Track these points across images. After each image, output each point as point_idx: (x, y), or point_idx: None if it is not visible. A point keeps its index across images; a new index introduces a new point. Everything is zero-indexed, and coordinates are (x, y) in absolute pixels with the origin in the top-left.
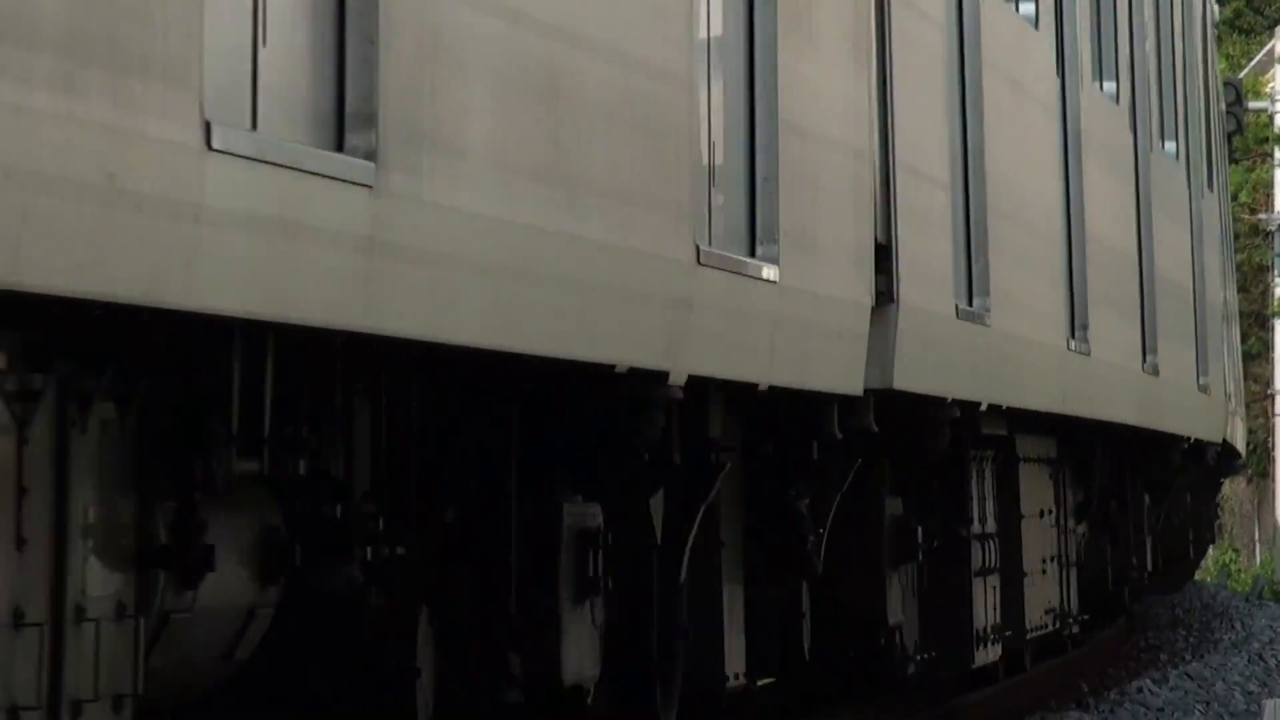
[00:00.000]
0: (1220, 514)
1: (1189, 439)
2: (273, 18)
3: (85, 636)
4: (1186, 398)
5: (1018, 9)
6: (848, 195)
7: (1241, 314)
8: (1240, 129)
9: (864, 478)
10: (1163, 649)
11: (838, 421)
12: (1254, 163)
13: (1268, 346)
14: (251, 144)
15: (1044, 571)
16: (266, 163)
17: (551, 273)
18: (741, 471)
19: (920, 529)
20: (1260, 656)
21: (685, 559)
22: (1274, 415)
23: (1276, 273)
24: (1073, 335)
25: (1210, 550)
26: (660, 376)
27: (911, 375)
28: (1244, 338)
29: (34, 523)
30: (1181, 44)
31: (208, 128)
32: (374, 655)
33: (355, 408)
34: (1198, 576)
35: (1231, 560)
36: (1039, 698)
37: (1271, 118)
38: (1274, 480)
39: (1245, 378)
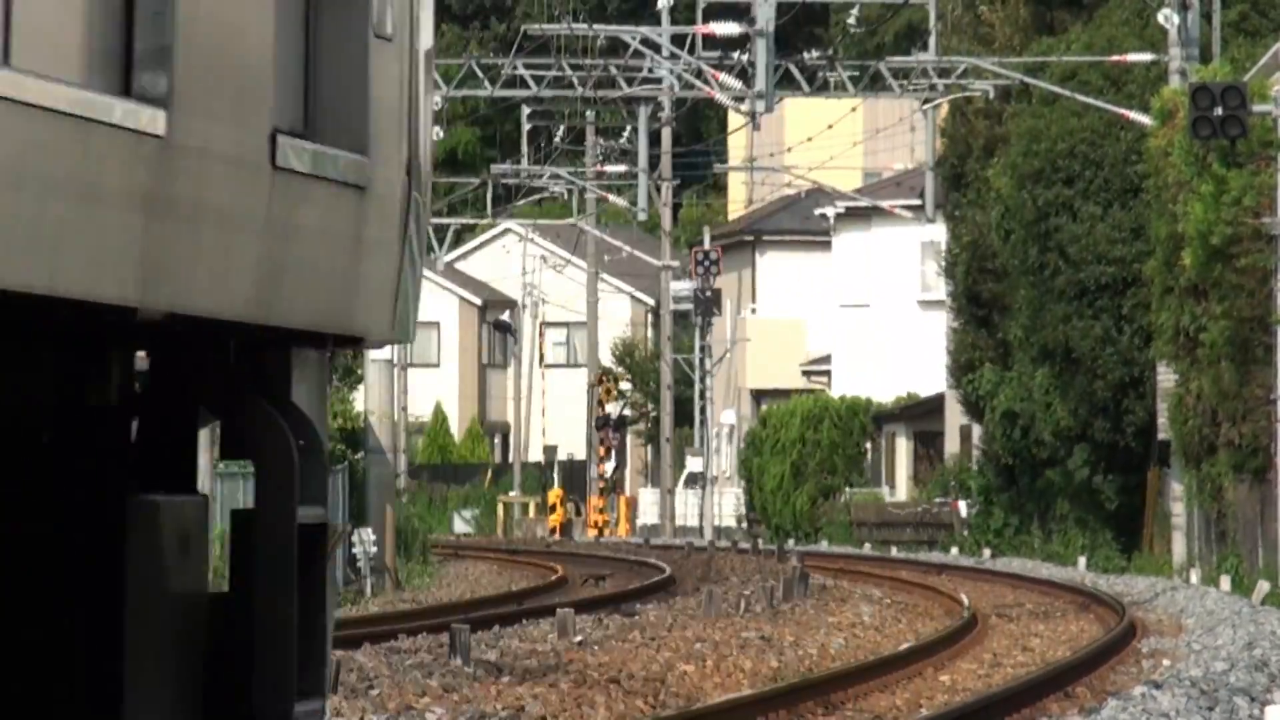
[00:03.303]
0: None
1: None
2: None
3: None
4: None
5: None
6: None
7: (1244, 319)
8: (1244, 132)
9: None
10: (1165, 654)
11: None
12: (1258, 166)
13: (1270, 350)
14: None
15: None
16: None
17: None
18: None
19: None
20: (1263, 663)
21: None
22: (1275, 421)
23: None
24: None
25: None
26: None
27: None
28: (1247, 343)
29: None
30: None
31: None
32: None
33: None
34: (1203, 582)
35: (1235, 566)
36: (1042, 703)
37: (1275, 121)
38: (1275, 486)
39: (1249, 382)
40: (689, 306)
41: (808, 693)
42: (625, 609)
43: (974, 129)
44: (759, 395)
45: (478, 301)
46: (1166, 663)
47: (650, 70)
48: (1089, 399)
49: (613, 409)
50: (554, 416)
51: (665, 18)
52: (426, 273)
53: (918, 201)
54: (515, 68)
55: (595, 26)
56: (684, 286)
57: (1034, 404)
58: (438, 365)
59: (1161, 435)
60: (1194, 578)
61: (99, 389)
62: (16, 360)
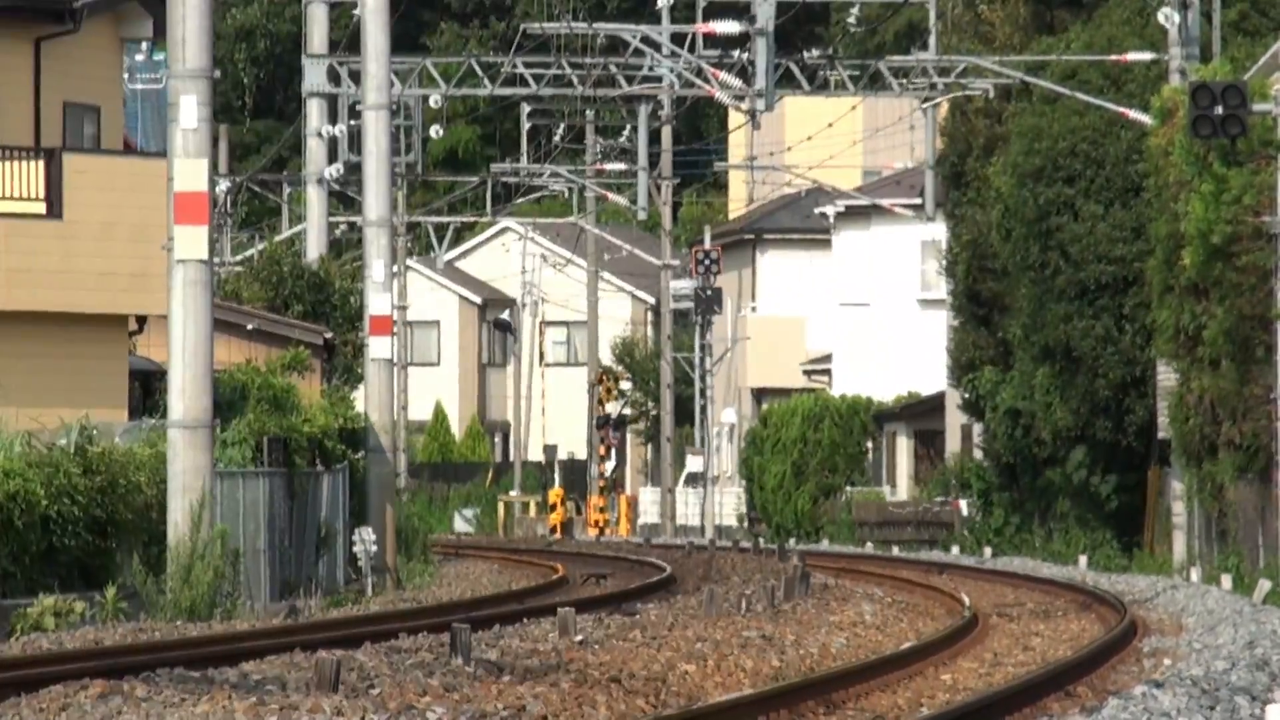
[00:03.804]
0: None
1: None
2: None
3: None
4: None
5: None
6: None
7: (1245, 317)
8: (1244, 131)
9: None
10: (1166, 654)
11: None
12: (1258, 165)
13: (1270, 350)
14: None
15: None
16: None
17: None
18: None
19: None
20: (1264, 662)
21: None
22: (1276, 419)
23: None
24: None
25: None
26: None
27: None
28: (1248, 342)
29: None
30: None
31: None
32: None
33: None
34: (1204, 581)
35: (1236, 565)
36: (1042, 702)
37: (1276, 120)
38: (1276, 484)
39: (1250, 381)
40: (689, 305)
41: (809, 692)
42: (626, 608)
43: (974, 128)
44: (759, 394)
45: (478, 300)
46: (1167, 662)
47: (650, 69)
48: (1090, 398)
49: (613, 408)
50: (554, 415)
51: (665, 16)
52: (427, 271)
53: (918, 200)
54: (515, 66)
55: (595, 25)
56: (684, 285)
57: (1035, 403)
58: (438, 364)
59: (1162, 434)
60: (1195, 577)
61: None
62: None
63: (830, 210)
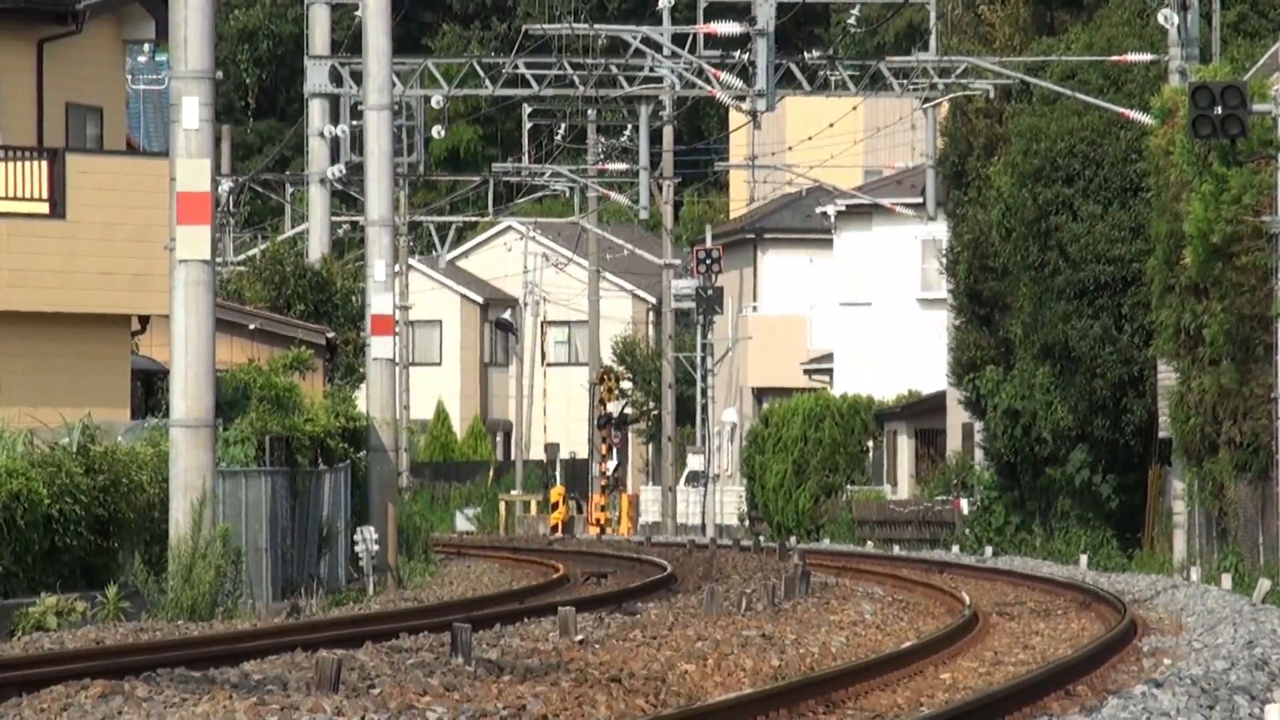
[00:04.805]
0: None
1: None
2: None
3: None
4: None
5: None
6: None
7: (1245, 317)
8: (1244, 131)
9: None
10: (1166, 653)
11: None
12: (1258, 165)
13: (1270, 349)
14: None
15: None
16: None
17: None
18: None
19: None
20: (1264, 661)
21: None
22: (1276, 419)
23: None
24: None
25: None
26: None
27: None
28: (1248, 341)
29: None
30: None
31: None
32: None
33: None
34: (1204, 580)
35: (1235, 564)
36: (1042, 701)
37: (1275, 121)
38: (1276, 484)
39: (1250, 380)
40: (690, 305)
41: (809, 691)
42: (627, 607)
43: (974, 127)
44: (760, 393)
45: (479, 300)
46: (1167, 661)
47: (651, 69)
48: (1089, 397)
49: (614, 407)
50: (556, 415)
51: (666, 17)
52: (429, 271)
53: (919, 200)
54: (516, 67)
55: (596, 26)
56: (685, 284)
57: (1035, 402)
58: (439, 364)
59: (1163, 433)
60: (1195, 576)
61: None
62: None
63: (831, 210)
